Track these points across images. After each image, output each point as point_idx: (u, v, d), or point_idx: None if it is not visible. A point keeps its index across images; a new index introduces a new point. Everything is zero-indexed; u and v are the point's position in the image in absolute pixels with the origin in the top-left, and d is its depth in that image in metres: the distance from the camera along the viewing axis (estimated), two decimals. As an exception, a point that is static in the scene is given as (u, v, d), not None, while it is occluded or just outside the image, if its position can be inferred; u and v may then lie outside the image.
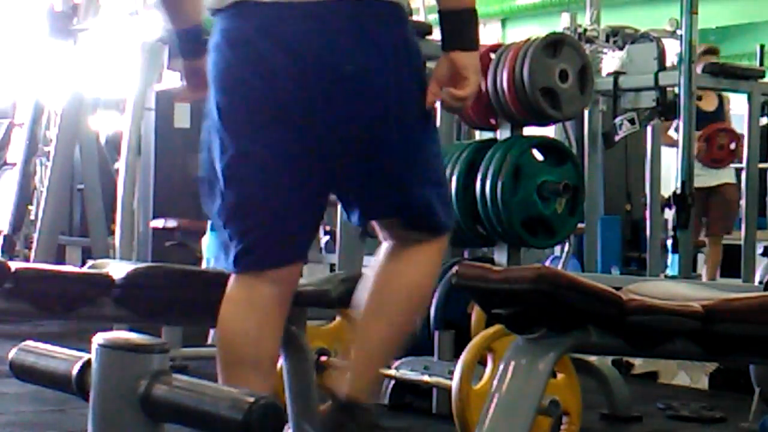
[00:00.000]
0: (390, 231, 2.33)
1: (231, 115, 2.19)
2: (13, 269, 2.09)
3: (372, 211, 2.33)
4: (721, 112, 6.61)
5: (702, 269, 6.78)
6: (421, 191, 2.27)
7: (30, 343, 1.75)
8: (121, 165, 4.63)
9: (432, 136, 2.36)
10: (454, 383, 2.94)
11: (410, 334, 2.34)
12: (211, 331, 4.97)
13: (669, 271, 5.05)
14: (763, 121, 6.01)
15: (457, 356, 3.38)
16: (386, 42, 2.20)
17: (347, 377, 2.28)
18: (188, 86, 2.50)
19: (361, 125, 2.18)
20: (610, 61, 5.61)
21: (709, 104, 6.47)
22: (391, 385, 3.68)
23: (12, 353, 1.73)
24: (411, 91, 2.24)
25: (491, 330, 2.92)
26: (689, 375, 4.53)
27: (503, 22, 13.60)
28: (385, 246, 2.34)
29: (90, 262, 2.44)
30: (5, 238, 6.25)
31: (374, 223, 2.36)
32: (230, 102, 2.18)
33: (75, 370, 1.56)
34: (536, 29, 3.19)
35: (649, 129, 5.57)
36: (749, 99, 5.33)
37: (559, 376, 3.10)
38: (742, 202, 5.67)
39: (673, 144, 6.70)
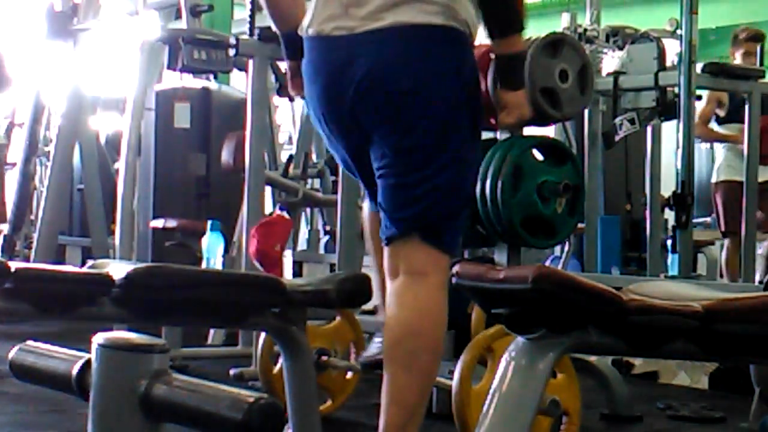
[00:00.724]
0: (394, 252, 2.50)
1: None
2: (13, 269, 2.08)
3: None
4: None
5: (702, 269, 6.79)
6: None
7: (30, 343, 1.75)
8: (121, 165, 4.63)
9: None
10: (454, 383, 2.93)
11: (435, 377, 2.49)
12: (211, 331, 4.97)
13: (669, 271, 5.04)
14: (764, 120, 5.99)
15: (457, 356, 3.38)
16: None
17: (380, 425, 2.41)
18: (291, 84, 2.83)
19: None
20: (610, 61, 5.61)
21: None
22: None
23: (12, 353, 1.73)
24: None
25: (491, 330, 2.92)
26: (689, 375, 4.53)
27: (503, 22, 13.57)
28: (389, 288, 2.48)
29: (90, 262, 2.44)
30: (5, 238, 6.25)
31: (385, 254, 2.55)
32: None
33: (75, 370, 1.56)
34: (536, 29, 3.20)
35: (649, 129, 5.56)
36: (749, 99, 5.32)
37: (559, 376, 3.10)
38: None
39: (712, 137, 6.54)
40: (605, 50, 5.65)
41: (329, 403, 3.57)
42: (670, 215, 5.38)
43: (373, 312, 4.17)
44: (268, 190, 5.13)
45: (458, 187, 2.52)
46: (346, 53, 2.49)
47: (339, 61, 2.51)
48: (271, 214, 4.64)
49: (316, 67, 2.56)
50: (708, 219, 9.91)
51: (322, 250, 6.84)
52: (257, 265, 3.95)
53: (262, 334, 3.50)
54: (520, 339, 1.76)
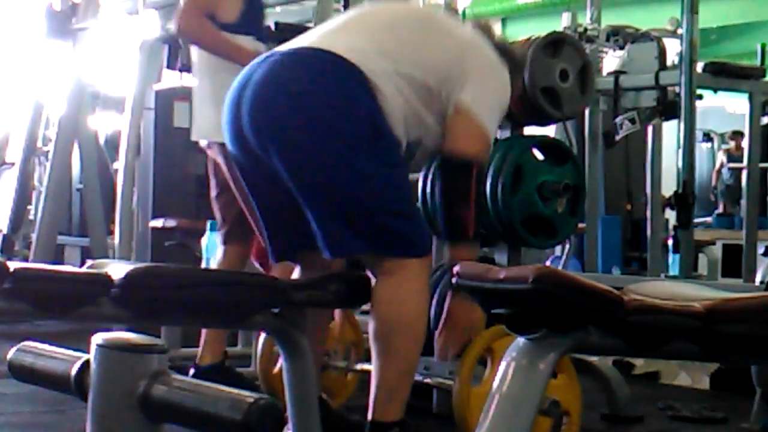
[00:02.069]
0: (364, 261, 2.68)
1: None
2: (11, 269, 2.08)
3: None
4: None
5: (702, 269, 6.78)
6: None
7: (29, 343, 1.74)
8: (120, 165, 4.63)
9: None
10: (455, 384, 2.93)
11: (410, 357, 2.65)
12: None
13: (670, 271, 5.04)
14: (764, 120, 6.00)
15: (457, 356, 3.37)
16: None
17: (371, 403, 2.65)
18: None
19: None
20: (611, 60, 5.60)
21: None
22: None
23: (11, 353, 1.73)
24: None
25: (491, 330, 2.92)
26: (690, 375, 4.52)
27: (504, 21, 13.60)
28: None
29: (89, 262, 2.43)
30: (4, 237, 6.25)
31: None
32: None
33: (74, 371, 1.55)
34: (537, 28, 3.20)
35: (649, 129, 5.56)
36: (750, 99, 5.32)
37: (560, 376, 3.09)
38: (743, 202, 5.66)
39: None
40: (606, 50, 5.64)
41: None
42: (671, 215, 5.38)
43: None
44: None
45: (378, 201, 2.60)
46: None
47: None
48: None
49: None
50: (708, 219, 9.93)
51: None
52: (257, 265, 3.94)
53: (262, 334, 3.49)
54: (520, 339, 1.75)
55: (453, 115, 2.69)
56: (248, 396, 1.35)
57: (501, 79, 2.80)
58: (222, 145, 3.33)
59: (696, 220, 5.49)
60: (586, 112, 5.30)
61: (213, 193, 3.93)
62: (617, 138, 5.28)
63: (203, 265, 4.27)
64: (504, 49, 2.87)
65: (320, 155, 2.55)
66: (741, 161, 10.58)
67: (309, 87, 2.59)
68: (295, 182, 2.57)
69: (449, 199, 2.73)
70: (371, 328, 2.65)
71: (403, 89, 2.64)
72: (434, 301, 3.56)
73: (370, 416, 2.65)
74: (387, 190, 2.61)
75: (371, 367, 2.70)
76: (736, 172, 10.63)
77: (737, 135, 10.63)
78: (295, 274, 2.84)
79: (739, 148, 10.95)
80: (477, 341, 2.98)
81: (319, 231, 2.58)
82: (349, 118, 2.57)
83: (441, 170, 2.75)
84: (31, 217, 7.29)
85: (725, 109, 12.48)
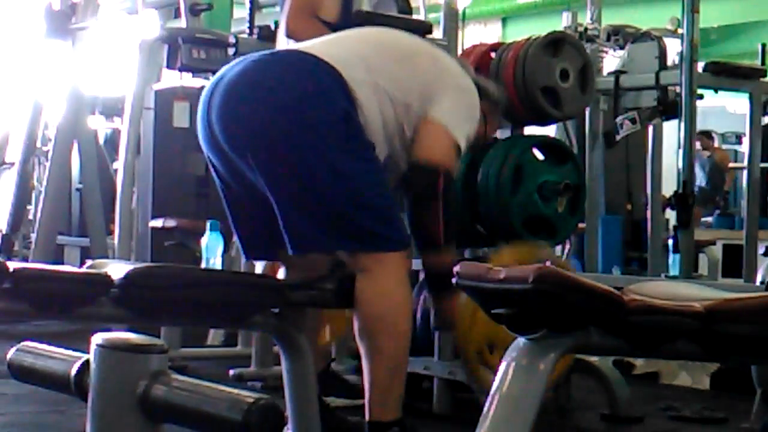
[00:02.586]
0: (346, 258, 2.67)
1: None
2: (11, 269, 2.07)
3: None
4: None
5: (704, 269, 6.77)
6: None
7: (28, 343, 1.74)
8: (119, 165, 4.61)
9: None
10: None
11: (398, 354, 2.64)
12: (211, 332, 4.96)
13: (670, 271, 5.03)
14: (765, 120, 5.99)
15: (457, 356, 3.37)
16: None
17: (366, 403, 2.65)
18: None
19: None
20: (611, 60, 5.59)
21: None
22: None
23: (10, 354, 1.73)
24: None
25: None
26: (691, 375, 4.52)
27: (504, 20, 13.59)
28: None
29: (89, 262, 2.43)
30: (4, 237, 6.24)
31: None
32: None
33: (74, 371, 1.55)
34: (537, 28, 3.19)
35: (650, 128, 5.55)
36: (750, 98, 5.31)
37: None
38: (743, 202, 5.65)
39: None
40: (606, 49, 5.64)
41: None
42: (671, 215, 5.37)
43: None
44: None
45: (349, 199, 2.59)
46: None
47: None
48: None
49: None
50: (709, 219, 9.92)
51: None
52: (257, 265, 3.94)
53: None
54: (520, 339, 1.75)
55: (422, 125, 2.70)
56: (248, 396, 1.34)
57: (472, 101, 2.82)
58: None
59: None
60: (587, 111, 5.29)
61: None
62: (617, 138, 5.27)
63: (203, 265, 4.26)
64: (478, 86, 2.93)
65: (288, 146, 2.53)
66: (709, 163, 10.59)
67: (281, 80, 2.59)
68: (263, 175, 2.56)
69: (415, 208, 2.73)
70: (356, 327, 2.64)
71: (383, 103, 2.65)
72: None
73: (367, 417, 2.65)
74: (358, 185, 2.58)
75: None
76: (709, 173, 10.60)
77: (703, 135, 10.41)
78: (281, 274, 2.83)
79: (708, 148, 10.90)
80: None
81: (283, 225, 2.56)
82: (322, 112, 2.56)
83: (408, 178, 2.73)
84: (31, 217, 7.29)
85: (726, 109, 12.48)
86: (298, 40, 3.32)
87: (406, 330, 2.66)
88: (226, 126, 2.59)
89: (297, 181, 2.55)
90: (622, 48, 5.51)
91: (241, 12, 5.69)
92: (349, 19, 3.68)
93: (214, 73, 6.06)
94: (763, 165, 5.75)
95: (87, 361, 1.52)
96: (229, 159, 2.63)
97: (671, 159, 5.28)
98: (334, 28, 3.58)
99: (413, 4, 4.54)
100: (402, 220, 2.72)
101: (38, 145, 6.89)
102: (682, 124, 4.87)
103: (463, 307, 2.86)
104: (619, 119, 5.18)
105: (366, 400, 2.65)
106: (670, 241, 4.99)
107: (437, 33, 3.83)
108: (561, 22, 5.97)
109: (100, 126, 7.49)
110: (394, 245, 2.61)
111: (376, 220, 2.60)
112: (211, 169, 2.77)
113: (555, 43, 3.49)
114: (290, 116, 2.54)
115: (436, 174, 2.68)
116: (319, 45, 2.75)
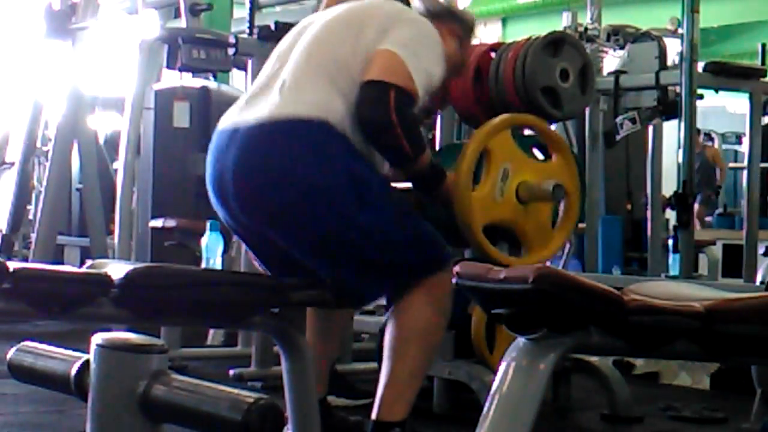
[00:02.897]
0: None
1: None
2: (11, 269, 2.07)
3: None
4: None
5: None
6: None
7: (28, 343, 1.74)
8: (119, 165, 4.61)
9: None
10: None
11: (423, 363, 2.69)
12: (211, 332, 4.96)
13: (670, 271, 5.03)
14: (765, 120, 6.00)
15: (457, 356, 3.37)
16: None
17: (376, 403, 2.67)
18: None
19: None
20: (611, 60, 5.60)
21: None
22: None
23: (10, 354, 1.73)
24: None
25: (487, 127, 3.04)
26: (691, 375, 4.52)
27: (504, 20, 13.61)
28: None
29: (89, 262, 2.43)
30: (4, 237, 6.24)
31: None
32: None
33: (74, 371, 1.55)
34: (537, 28, 3.19)
35: (650, 128, 5.56)
36: (751, 98, 5.32)
37: (556, 157, 3.15)
38: (744, 202, 5.65)
39: None
40: (606, 49, 5.64)
41: None
42: (671, 215, 5.37)
43: (372, 312, 4.16)
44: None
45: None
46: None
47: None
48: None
49: None
50: (709, 218, 9.92)
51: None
52: (257, 265, 3.94)
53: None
54: (520, 339, 1.75)
55: (371, 57, 2.63)
56: (248, 396, 1.34)
57: (426, 30, 2.75)
58: None
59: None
60: (587, 111, 5.29)
61: None
62: (617, 138, 5.28)
63: (203, 265, 4.26)
64: (450, 10, 2.92)
65: (314, 224, 2.57)
66: (699, 159, 10.57)
67: (284, 164, 2.56)
68: (292, 247, 2.64)
69: (373, 134, 2.62)
70: (387, 335, 2.67)
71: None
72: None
73: (374, 416, 2.65)
74: (382, 228, 2.61)
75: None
76: (699, 169, 10.58)
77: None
78: None
79: (697, 145, 10.87)
80: (475, 136, 3.03)
81: (336, 287, 2.56)
82: (329, 177, 2.56)
83: (357, 105, 2.60)
84: (31, 217, 7.29)
85: (726, 108, 12.49)
86: None
87: (437, 344, 2.73)
88: (250, 214, 2.63)
89: (327, 249, 2.61)
90: (622, 48, 5.52)
91: (241, 12, 5.69)
92: None
93: (213, 72, 6.07)
94: (763, 165, 5.75)
95: (87, 361, 1.52)
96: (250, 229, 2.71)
97: (671, 159, 5.28)
98: None
99: (413, 5, 4.54)
100: (436, 234, 2.72)
101: (38, 145, 6.90)
102: (682, 124, 4.88)
103: (457, 186, 2.90)
104: (619, 119, 5.19)
105: (377, 398, 2.66)
106: (670, 241, 5.00)
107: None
108: (561, 22, 5.98)
109: (104, 124, 7.49)
110: (434, 268, 2.64)
111: (410, 253, 2.64)
112: (219, 213, 2.78)
113: (555, 43, 3.49)
114: (306, 196, 2.56)
115: (383, 89, 2.58)
116: (295, 89, 2.64)
